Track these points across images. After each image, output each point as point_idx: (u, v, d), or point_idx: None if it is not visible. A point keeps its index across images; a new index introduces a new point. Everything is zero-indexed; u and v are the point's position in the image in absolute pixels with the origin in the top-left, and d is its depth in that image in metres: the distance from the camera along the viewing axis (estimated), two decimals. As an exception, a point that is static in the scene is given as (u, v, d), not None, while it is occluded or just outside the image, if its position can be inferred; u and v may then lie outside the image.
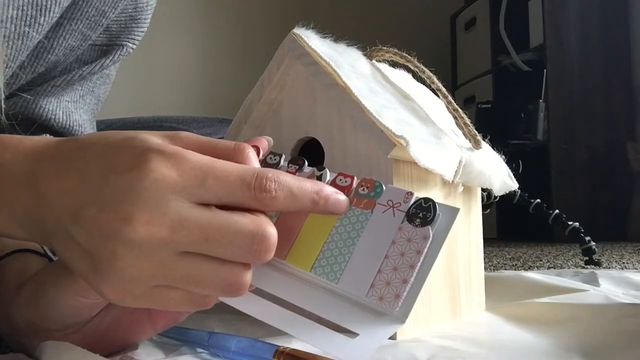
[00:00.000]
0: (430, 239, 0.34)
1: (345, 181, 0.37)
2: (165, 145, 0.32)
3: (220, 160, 0.32)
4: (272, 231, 0.32)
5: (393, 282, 0.34)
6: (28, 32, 0.43)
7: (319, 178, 0.38)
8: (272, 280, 0.36)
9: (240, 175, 0.32)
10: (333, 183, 0.37)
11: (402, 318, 0.33)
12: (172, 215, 0.30)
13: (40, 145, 0.34)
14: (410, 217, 0.35)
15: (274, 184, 0.32)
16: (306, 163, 0.39)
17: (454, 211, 0.35)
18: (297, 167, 0.39)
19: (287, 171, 0.38)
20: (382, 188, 0.37)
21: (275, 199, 0.32)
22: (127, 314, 0.38)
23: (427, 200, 0.36)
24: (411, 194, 0.36)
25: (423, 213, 0.35)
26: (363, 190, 0.37)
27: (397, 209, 0.36)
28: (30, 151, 0.34)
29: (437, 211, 0.35)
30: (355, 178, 0.38)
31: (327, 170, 0.38)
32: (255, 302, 0.35)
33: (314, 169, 0.38)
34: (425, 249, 0.34)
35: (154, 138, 0.32)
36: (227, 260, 0.32)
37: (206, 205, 0.31)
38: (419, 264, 0.34)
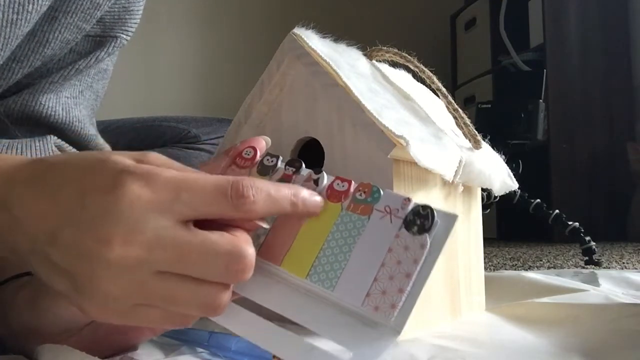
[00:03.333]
0: (428, 247, 0.33)
1: (343, 185, 0.37)
2: (137, 165, 0.32)
3: (192, 173, 0.32)
4: (249, 251, 0.32)
5: (389, 292, 0.33)
6: (16, 19, 0.43)
7: (317, 181, 0.37)
8: (264, 290, 0.35)
9: (215, 185, 0.31)
10: (330, 187, 0.37)
11: (397, 328, 0.32)
12: (149, 235, 0.30)
13: (13, 166, 0.34)
14: (407, 224, 0.34)
15: (251, 189, 0.32)
16: (303, 165, 0.38)
17: (453, 218, 0.34)
18: (294, 169, 0.38)
19: (285, 174, 0.38)
20: (380, 193, 0.36)
21: (255, 203, 0.32)
22: None
23: (425, 207, 0.35)
24: (409, 200, 0.35)
25: (421, 220, 0.34)
26: (360, 195, 0.36)
27: (394, 215, 0.35)
28: (1, 173, 0.34)
29: (435, 218, 0.34)
30: (353, 182, 0.37)
31: (325, 174, 0.37)
32: (241, 318, 0.34)
33: (311, 171, 0.38)
34: (423, 258, 0.33)
35: (126, 159, 0.32)
36: (205, 280, 0.31)
37: (186, 225, 0.31)
38: (415, 273, 0.33)
